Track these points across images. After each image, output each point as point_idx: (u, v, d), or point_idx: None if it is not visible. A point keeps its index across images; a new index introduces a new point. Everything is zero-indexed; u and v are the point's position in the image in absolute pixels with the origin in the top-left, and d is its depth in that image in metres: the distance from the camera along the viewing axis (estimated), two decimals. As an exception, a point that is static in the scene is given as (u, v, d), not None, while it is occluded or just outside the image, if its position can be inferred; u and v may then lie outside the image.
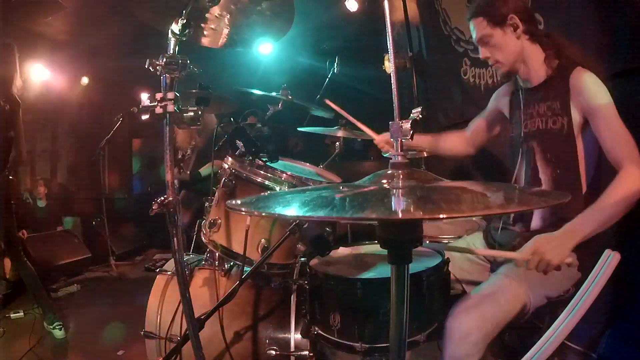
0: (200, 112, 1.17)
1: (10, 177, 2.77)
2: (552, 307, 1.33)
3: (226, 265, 1.73)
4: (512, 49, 1.48)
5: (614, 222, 1.28)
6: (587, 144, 1.41)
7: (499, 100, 1.75)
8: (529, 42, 1.49)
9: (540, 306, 1.33)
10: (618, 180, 1.28)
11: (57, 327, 2.82)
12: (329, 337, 1.22)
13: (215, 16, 1.29)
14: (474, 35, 1.54)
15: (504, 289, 1.29)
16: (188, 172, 3.45)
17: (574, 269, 1.37)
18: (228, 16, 1.30)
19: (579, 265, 1.37)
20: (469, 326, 1.20)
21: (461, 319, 1.22)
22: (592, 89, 1.37)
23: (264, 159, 1.65)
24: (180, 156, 3.72)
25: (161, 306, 1.66)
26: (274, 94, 2.01)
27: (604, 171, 1.42)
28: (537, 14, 2.25)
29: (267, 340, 1.51)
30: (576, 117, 1.40)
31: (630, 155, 1.28)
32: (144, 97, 1.11)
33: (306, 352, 1.42)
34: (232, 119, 1.75)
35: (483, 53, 1.54)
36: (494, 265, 1.58)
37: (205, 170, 3.46)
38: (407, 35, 4.21)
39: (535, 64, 1.49)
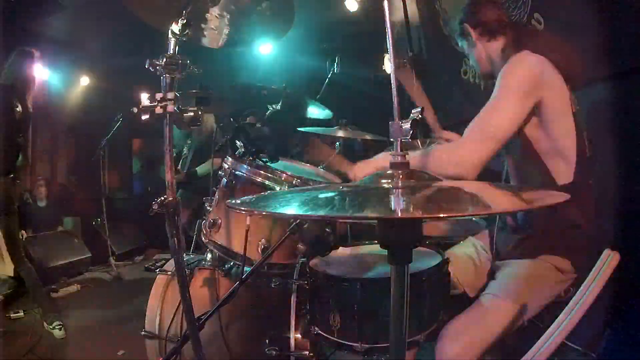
0: (200, 112, 1.17)
1: (18, 181, 2.87)
2: (552, 307, 1.33)
3: (226, 265, 1.73)
4: (476, 55, 1.57)
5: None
6: (545, 126, 1.35)
7: None
8: (489, 43, 1.51)
9: (537, 314, 1.32)
10: (459, 144, 1.34)
11: (57, 327, 2.83)
12: (329, 337, 1.22)
13: (215, 16, 1.29)
14: None
15: (493, 311, 1.27)
16: (184, 171, 3.46)
17: (568, 273, 1.36)
18: (228, 16, 1.30)
19: (575, 267, 1.36)
20: (458, 352, 1.20)
21: (450, 344, 1.21)
22: (507, 68, 1.34)
23: (264, 159, 1.65)
24: (175, 155, 3.70)
25: (161, 306, 1.66)
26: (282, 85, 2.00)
27: (590, 154, 1.38)
28: (537, 14, 2.26)
29: (267, 340, 1.51)
30: None
31: (481, 133, 1.30)
32: (144, 97, 1.11)
33: (306, 352, 1.42)
34: (232, 119, 1.74)
35: (471, 59, 1.65)
36: (495, 267, 1.58)
37: (201, 168, 3.48)
38: (407, 35, 4.21)
39: (497, 59, 1.51)
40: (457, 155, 1.32)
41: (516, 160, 1.48)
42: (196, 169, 3.46)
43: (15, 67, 2.83)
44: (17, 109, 2.79)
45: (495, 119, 1.30)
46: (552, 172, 1.36)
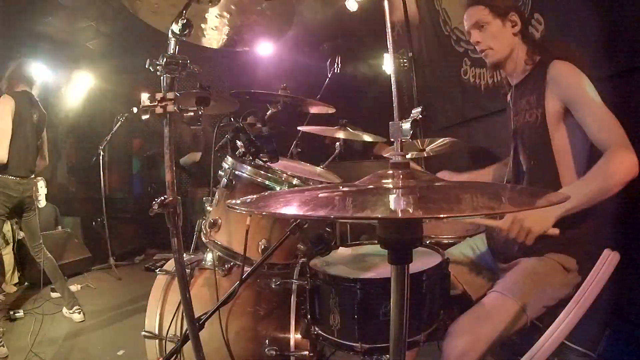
0: (200, 112, 1.17)
1: (37, 180, 3.15)
2: (552, 307, 1.33)
3: (226, 265, 1.73)
4: (507, 43, 1.53)
5: (600, 199, 1.25)
6: (572, 134, 1.40)
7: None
8: (520, 42, 1.54)
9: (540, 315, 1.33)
10: (606, 158, 1.26)
11: (76, 312, 3.10)
12: (329, 337, 1.22)
13: (215, 16, 1.29)
14: (467, 23, 1.57)
15: (499, 309, 1.28)
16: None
17: (574, 273, 1.37)
18: (228, 16, 1.30)
19: (579, 269, 1.37)
20: (464, 348, 1.21)
21: (456, 340, 1.22)
22: (569, 78, 1.37)
23: (264, 159, 1.65)
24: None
25: (161, 306, 1.66)
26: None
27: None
28: (537, 14, 2.26)
29: (267, 340, 1.50)
30: (555, 107, 1.40)
31: (617, 137, 1.27)
32: (144, 97, 1.11)
33: (306, 352, 1.42)
34: (232, 119, 1.74)
35: (474, 37, 1.57)
36: (496, 268, 1.58)
37: (183, 160, 4.13)
38: (407, 35, 4.22)
39: (520, 62, 1.54)
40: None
41: (529, 156, 1.51)
42: (180, 160, 4.09)
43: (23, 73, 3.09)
44: (34, 113, 3.09)
45: (614, 120, 1.29)
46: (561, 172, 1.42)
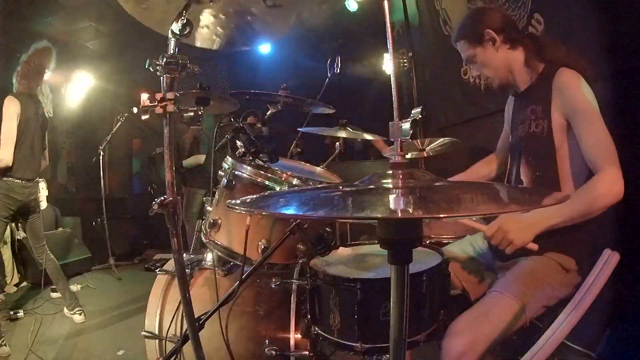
0: (200, 112, 1.17)
1: (42, 182, 3.22)
2: (553, 307, 1.33)
3: (226, 266, 1.73)
4: (497, 63, 1.52)
5: (584, 219, 1.29)
6: (575, 149, 1.38)
7: (507, 108, 1.75)
8: (511, 50, 1.51)
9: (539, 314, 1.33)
10: (597, 179, 1.28)
11: (77, 312, 3.10)
12: (329, 337, 1.22)
13: (212, 16, 1.28)
14: (463, 58, 1.60)
15: (498, 308, 1.28)
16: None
17: (573, 273, 1.37)
18: (224, 17, 1.29)
19: (578, 269, 1.37)
20: (464, 348, 1.20)
21: (456, 340, 1.22)
22: (573, 90, 1.35)
23: (264, 159, 1.65)
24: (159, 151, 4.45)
25: (161, 306, 1.66)
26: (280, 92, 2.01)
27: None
28: (537, 14, 2.26)
29: (267, 340, 1.50)
30: (559, 119, 1.38)
31: (610, 158, 1.28)
32: (144, 97, 1.11)
33: (306, 352, 1.42)
34: (232, 119, 1.74)
35: (473, 72, 1.60)
36: (495, 267, 1.58)
37: (187, 162, 4.14)
38: (407, 35, 4.22)
39: (520, 69, 1.52)
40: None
41: (534, 166, 1.49)
42: (182, 161, 4.11)
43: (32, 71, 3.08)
44: (39, 115, 3.08)
45: (609, 141, 1.30)
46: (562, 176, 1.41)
